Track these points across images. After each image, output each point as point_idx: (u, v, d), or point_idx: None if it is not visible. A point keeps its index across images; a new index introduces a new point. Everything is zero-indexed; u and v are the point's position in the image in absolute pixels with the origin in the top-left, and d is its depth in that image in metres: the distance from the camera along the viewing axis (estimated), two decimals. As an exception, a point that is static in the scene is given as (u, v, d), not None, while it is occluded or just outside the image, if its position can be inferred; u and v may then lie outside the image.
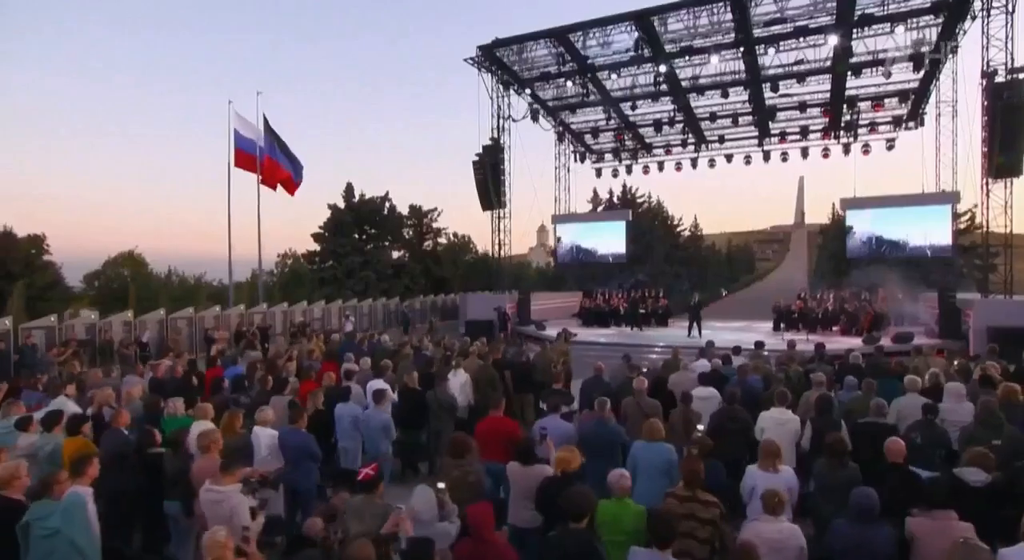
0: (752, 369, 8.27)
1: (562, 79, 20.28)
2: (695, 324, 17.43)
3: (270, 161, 21.27)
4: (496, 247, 23.09)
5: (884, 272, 20.89)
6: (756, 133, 23.11)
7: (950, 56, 18.35)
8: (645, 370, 8.67)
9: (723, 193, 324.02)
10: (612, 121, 22.90)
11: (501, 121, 21.78)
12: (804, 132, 22.17)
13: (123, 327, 14.12)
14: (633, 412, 5.84)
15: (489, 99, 21.44)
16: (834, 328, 18.09)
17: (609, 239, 25.11)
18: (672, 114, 21.50)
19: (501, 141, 21.72)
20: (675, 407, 5.98)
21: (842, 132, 22.03)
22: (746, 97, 19.99)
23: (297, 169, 22.47)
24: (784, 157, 23.48)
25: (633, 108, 21.38)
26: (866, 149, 21.92)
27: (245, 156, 20.59)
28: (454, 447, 4.36)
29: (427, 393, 6.97)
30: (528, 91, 21.39)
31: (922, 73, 18.38)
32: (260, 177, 21.03)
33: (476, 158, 21.02)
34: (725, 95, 19.19)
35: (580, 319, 22.02)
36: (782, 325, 18.87)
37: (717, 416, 5.70)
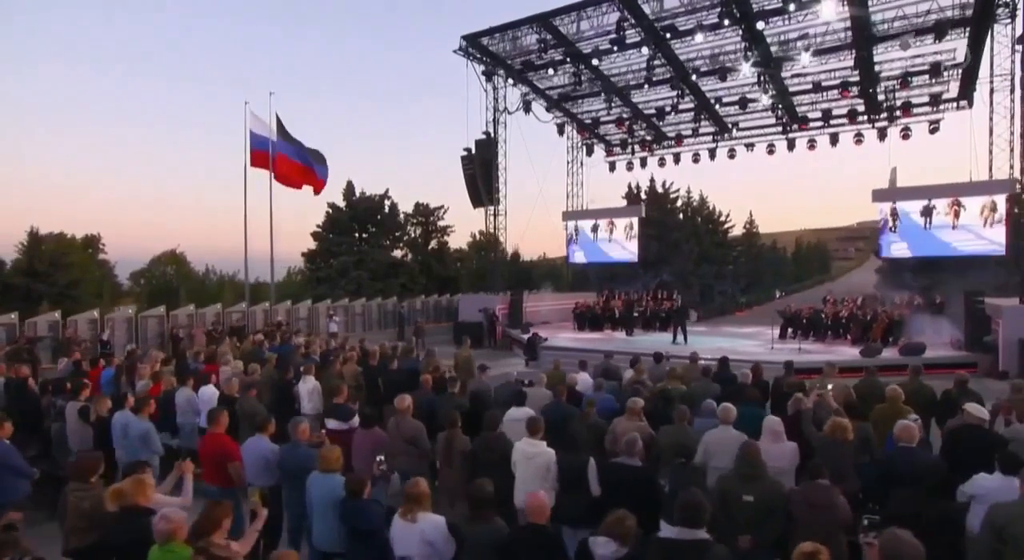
0: (626, 387, 7.19)
1: (553, 67, 19.17)
2: (679, 330, 15.92)
3: (286, 160, 21.68)
4: (495, 245, 22.43)
5: (922, 274, 18.28)
6: (774, 120, 20.91)
7: (1007, 22, 15.87)
8: (527, 382, 7.77)
9: (800, 186, 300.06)
10: (614, 110, 21.47)
11: (496, 114, 21.05)
12: (826, 117, 19.78)
13: (89, 325, 14.64)
14: (392, 435, 5.05)
15: (483, 91, 20.79)
16: (848, 336, 16.02)
17: (622, 236, 23.75)
18: (675, 101, 19.80)
19: (496, 134, 20.99)
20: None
21: (875, 116, 19.44)
22: (755, 79, 17.99)
23: (320, 169, 22.72)
24: (811, 144, 21.21)
25: (627, 96, 19.96)
26: (905, 134, 19.27)
27: (261, 156, 21.18)
28: (76, 468, 3.80)
29: (236, 402, 6.51)
30: (512, 81, 20.45)
31: (964, 43, 15.82)
32: (272, 176, 21.52)
33: (464, 153, 20.41)
34: (722, 78, 17.40)
35: (575, 322, 20.84)
36: (789, 331, 17.00)
37: (475, 444, 4.81)
